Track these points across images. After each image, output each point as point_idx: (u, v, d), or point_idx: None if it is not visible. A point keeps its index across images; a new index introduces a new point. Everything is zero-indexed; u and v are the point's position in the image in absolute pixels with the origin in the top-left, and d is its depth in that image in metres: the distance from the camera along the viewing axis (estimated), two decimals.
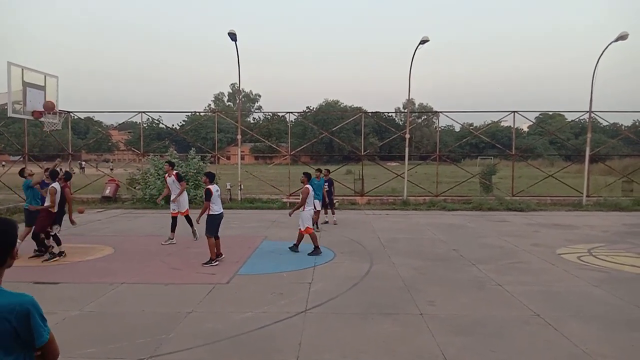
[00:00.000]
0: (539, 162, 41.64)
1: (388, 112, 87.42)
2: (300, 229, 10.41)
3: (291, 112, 22.59)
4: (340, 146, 56.60)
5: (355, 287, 7.64)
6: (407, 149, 20.87)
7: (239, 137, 20.73)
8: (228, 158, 42.00)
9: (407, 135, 21.13)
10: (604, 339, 5.49)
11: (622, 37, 17.81)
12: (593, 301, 7.00)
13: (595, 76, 19.19)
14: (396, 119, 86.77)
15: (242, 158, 21.64)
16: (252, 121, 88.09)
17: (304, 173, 11.10)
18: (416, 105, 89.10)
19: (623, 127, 58.55)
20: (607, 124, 40.21)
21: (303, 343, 5.33)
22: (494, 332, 5.67)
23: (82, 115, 28.41)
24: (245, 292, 7.39)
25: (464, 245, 11.22)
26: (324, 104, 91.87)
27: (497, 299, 7.10)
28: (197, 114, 70.10)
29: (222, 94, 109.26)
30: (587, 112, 20.08)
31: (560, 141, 63.63)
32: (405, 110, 28.17)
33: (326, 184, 14.95)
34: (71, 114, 21.88)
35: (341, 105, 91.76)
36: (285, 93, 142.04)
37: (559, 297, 7.19)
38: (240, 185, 20.26)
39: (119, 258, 9.77)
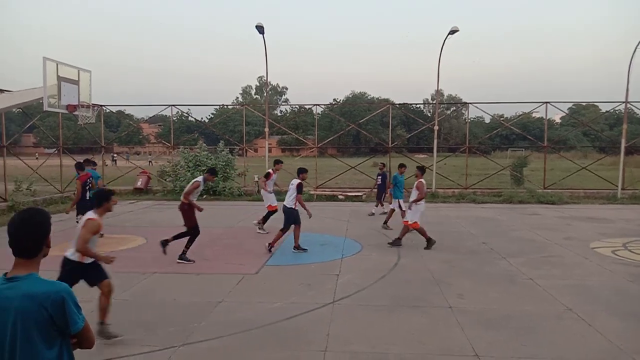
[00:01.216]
0: (572, 154, 40.52)
1: (416, 104, 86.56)
2: (407, 222, 10.26)
3: (318, 105, 22.59)
4: (367, 138, 56.32)
5: (383, 280, 7.63)
6: (435, 141, 20.60)
7: (266, 129, 20.86)
8: (255, 150, 42.35)
9: (436, 127, 20.84)
10: (639, 335, 5.35)
11: None
12: (628, 297, 6.81)
13: (631, 65, 18.52)
14: (424, 110, 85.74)
15: (270, 150, 21.75)
16: (279, 114, 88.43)
17: (418, 167, 10.86)
18: (445, 97, 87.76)
19: None
20: None
21: (331, 334, 5.37)
22: (524, 327, 5.59)
23: (114, 109, 29.02)
24: (274, 283, 7.47)
25: (494, 238, 11.04)
26: (350, 96, 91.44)
27: (528, 293, 6.98)
28: (225, 107, 70.70)
29: (250, 87, 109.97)
30: (623, 102, 19.39)
31: (594, 133, 61.77)
32: (434, 102, 27.79)
33: (379, 177, 15.31)
34: (104, 107, 22.41)
35: (368, 97, 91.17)
36: (312, 86, 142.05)
37: (593, 291, 7.02)
38: None
39: (150, 248, 10.00)
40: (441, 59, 19.78)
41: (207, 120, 70.81)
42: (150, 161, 42.14)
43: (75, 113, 14.04)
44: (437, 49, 19.71)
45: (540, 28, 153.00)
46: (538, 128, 63.69)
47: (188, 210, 8.96)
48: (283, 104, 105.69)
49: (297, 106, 73.06)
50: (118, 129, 69.95)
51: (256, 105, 64.70)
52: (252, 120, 73.14)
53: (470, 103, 22.04)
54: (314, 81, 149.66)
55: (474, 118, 79.87)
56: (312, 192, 19.73)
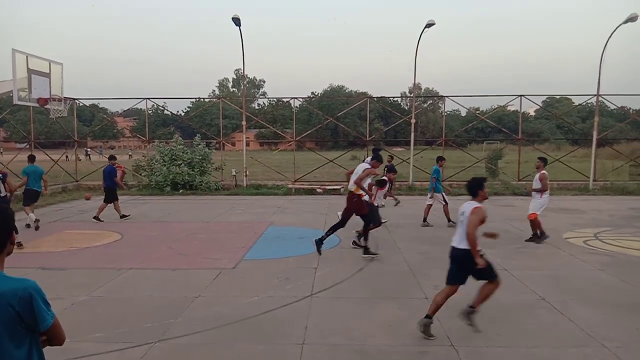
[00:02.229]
0: (546, 146, 41.29)
1: (394, 97, 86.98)
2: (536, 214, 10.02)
3: (296, 98, 22.51)
4: (346, 132, 56.43)
5: (361, 272, 7.67)
6: (412, 134, 20.78)
7: (243, 123, 20.71)
8: (233, 144, 42.04)
9: (413, 120, 21.01)
10: (609, 322, 5.49)
11: (632, 18, 17.49)
12: (599, 285, 6.99)
13: (603, 59, 18.96)
14: (402, 103, 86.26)
15: (247, 144, 21.62)
16: (256, 107, 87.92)
17: (539, 158, 10.62)
18: (422, 90, 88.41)
19: (631, 110, 57.89)
20: (615, 107, 39.66)
21: (309, 327, 5.37)
22: (499, 316, 5.69)
23: (87, 102, 28.37)
24: (252, 277, 7.44)
25: None
26: (328, 89, 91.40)
27: (504, 283, 7.06)
28: (202, 100, 69.94)
29: (227, 79, 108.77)
30: (595, 95, 19.85)
31: (567, 125, 63.04)
32: (411, 95, 27.98)
33: (386, 169, 15.03)
34: (76, 100, 21.89)
35: (346, 91, 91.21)
36: (291, 79, 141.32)
37: (565, 281, 7.19)
38: (246, 172, 20.30)
39: (126, 244, 9.85)
40: (418, 53, 19.89)
41: (183, 114, 69.95)
42: (129, 154, 41.31)
43: (47, 107, 13.72)
44: (414, 42, 19.81)
45: (517, 20, 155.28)
46: (513, 121, 64.71)
47: (360, 200, 8.76)
48: (261, 97, 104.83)
49: (275, 99, 72.56)
50: (92, 123, 68.55)
51: (233, 98, 64.09)
52: (230, 113, 72.50)
53: (447, 96, 22.26)
54: (292, 74, 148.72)
55: (451, 111, 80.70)
56: (290, 186, 19.70)
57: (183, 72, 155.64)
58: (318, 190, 19.27)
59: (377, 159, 8.85)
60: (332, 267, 7.93)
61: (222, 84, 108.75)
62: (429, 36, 21.18)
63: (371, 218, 8.99)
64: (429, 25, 18.70)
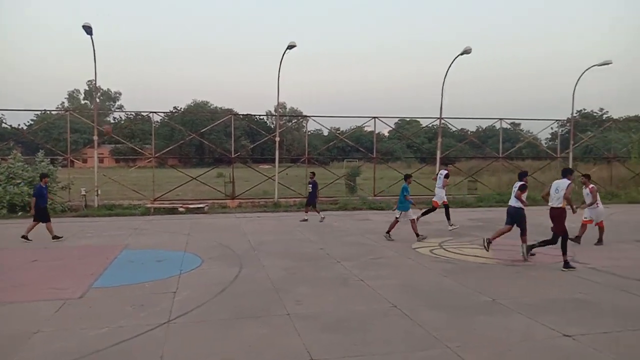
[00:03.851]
0: (398, 164, 44.93)
1: (260, 115, 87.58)
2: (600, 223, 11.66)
3: (155, 112, 21.51)
4: (211, 148, 55.27)
5: (223, 293, 7.46)
6: (277, 152, 21.12)
7: (95, 138, 19.13)
8: (85, 161, 38.47)
9: (277, 138, 21.38)
10: (451, 324, 6.06)
11: (467, 51, 19.99)
12: (443, 290, 7.71)
13: (444, 86, 21.33)
14: (267, 121, 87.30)
15: (101, 161, 19.99)
16: (112, 121, 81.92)
17: (583, 175, 12.27)
18: (287, 109, 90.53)
19: (469, 132, 66.13)
20: (456, 129, 44.80)
21: (165, 356, 5.05)
22: (356, 326, 5.94)
23: None
24: (101, 306, 6.80)
25: (330, 244, 11.64)
26: (192, 104, 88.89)
27: (360, 293, 7.47)
28: (48, 112, 62.99)
29: (78, 91, 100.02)
30: (438, 118, 22.23)
31: (416, 145, 69.51)
32: (276, 114, 28.50)
33: (310, 185, 15.96)
34: None
35: (211, 107, 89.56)
36: (151, 92, 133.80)
37: (414, 288, 7.79)
38: (97, 191, 18.70)
39: None
40: (281, 73, 20.33)
41: (25, 127, 62.34)
42: None
43: None
44: (278, 62, 20.24)
45: (375, 48, 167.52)
46: (369, 141, 68.95)
47: (563, 215, 9.24)
48: (117, 110, 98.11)
49: (133, 113, 68.31)
50: None
51: (84, 111, 58.77)
52: (81, 127, 66.53)
53: (310, 116, 23.14)
54: (152, 87, 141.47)
55: (314, 131, 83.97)
56: (149, 205, 18.61)
57: (27, 81, 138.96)
58: (180, 209, 18.48)
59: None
60: (193, 290, 7.60)
61: (72, 96, 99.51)
62: (295, 58, 21.84)
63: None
64: (290, 46, 19.27)
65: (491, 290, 7.61)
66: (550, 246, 9.52)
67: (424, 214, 13.95)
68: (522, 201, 9.87)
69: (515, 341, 5.49)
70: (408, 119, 78.81)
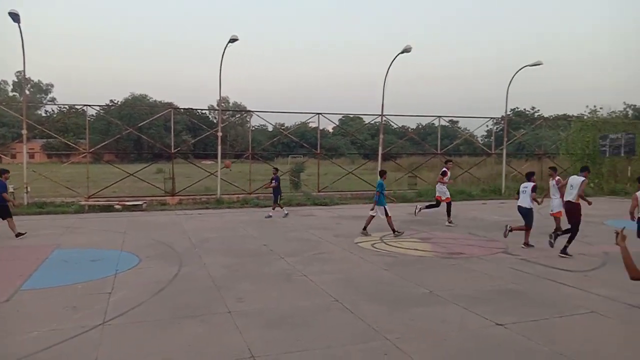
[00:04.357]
0: (342, 160, 45.39)
1: (201, 109, 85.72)
2: None
3: (90, 105, 20.48)
4: (150, 143, 53.46)
5: (162, 293, 7.23)
6: (219, 147, 20.73)
7: (24, 132, 17.97)
8: (13, 156, 36.01)
9: (219, 133, 20.98)
10: (391, 316, 6.19)
11: (407, 50, 20.42)
12: (384, 283, 7.87)
13: (386, 83, 21.72)
14: (210, 116, 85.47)
15: (32, 156, 18.81)
16: (43, 114, 77.24)
17: (550, 167, 12.31)
18: (230, 104, 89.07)
19: (409, 129, 67.87)
20: (397, 126, 45.83)
21: (100, 358, 4.82)
22: (300, 322, 5.94)
23: None
24: (31, 310, 6.42)
25: (273, 240, 11.58)
26: (130, 97, 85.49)
27: (303, 289, 7.48)
28: None
29: (5, 82, 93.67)
30: (380, 115, 22.64)
31: (359, 141, 70.53)
32: (218, 109, 27.91)
33: (274, 180, 15.63)
34: None
35: (150, 100, 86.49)
36: (85, 84, 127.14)
37: (356, 282, 7.90)
38: (27, 188, 17.60)
39: None
40: (223, 67, 19.96)
41: None
42: None
43: None
44: (219, 56, 19.85)
45: (320, 45, 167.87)
46: (314, 137, 69.17)
47: (577, 208, 9.97)
48: (49, 103, 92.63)
49: (66, 107, 64.55)
50: None
51: (12, 104, 54.97)
52: (9, 121, 62.45)
53: (254, 111, 22.90)
54: (87, 81, 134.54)
55: (258, 126, 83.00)
56: (83, 203, 17.74)
57: None
58: (116, 206, 17.74)
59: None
60: (130, 290, 7.31)
61: None
62: (238, 51, 21.45)
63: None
64: (232, 40, 18.94)
65: (429, 282, 7.85)
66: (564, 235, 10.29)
67: (427, 207, 15.32)
68: (536, 201, 10.89)
69: (451, 331, 5.69)
70: (352, 116, 79.78)
